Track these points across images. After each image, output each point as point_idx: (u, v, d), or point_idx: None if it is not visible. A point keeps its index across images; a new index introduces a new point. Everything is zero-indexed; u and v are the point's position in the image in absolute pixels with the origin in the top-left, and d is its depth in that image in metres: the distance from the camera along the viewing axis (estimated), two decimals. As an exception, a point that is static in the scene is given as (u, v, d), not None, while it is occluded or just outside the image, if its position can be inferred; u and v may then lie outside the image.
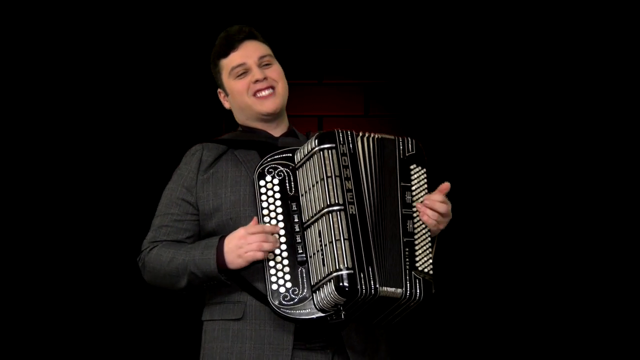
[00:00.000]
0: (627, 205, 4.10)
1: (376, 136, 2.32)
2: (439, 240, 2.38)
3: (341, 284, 2.15)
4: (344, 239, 2.18)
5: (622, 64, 4.12)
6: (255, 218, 2.28)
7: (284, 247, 2.26)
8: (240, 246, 2.24)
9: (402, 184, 2.30)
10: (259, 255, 2.23)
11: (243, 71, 2.47)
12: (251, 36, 2.51)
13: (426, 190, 2.33)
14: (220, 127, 4.18)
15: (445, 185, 2.33)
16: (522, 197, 4.15)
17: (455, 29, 4.19)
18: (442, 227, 2.33)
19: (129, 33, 4.15)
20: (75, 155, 4.11)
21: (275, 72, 2.48)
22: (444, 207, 2.31)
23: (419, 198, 2.31)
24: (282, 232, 2.28)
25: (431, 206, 2.30)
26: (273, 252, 2.25)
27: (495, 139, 4.17)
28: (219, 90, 2.57)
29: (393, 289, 2.19)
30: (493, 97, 4.18)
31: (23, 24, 4.10)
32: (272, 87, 2.47)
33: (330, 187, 2.22)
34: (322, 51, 4.17)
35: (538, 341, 4.10)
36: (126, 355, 4.06)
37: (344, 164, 2.25)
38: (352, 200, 2.22)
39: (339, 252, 2.17)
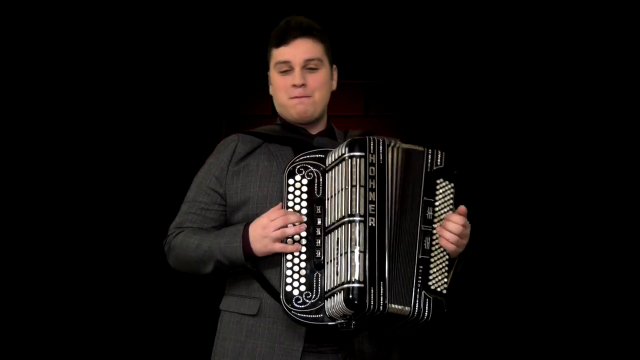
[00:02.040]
0: (628, 205, 4.10)
1: (403, 147, 2.29)
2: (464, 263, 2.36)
3: (350, 296, 2.14)
4: (360, 251, 2.16)
5: (622, 64, 4.12)
6: (280, 203, 2.27)
7: (303, 249, 2.26)
8: (266, 235, 2.24)
9: (425, 198, 2.27)
10: (289, 248, 2.23)
11: (287, 69, 2.43)
12: (307, 33, 2.46)
13: (452, 206, 2.30)
14: (220, 126, 4.18)
15: (463, 209, 2.30)
16: (522, 197, 4.15)
17: (455, 29, 4.19)
18: (459, 250, 2.30)
19: (129, 33, 4.15)
20: (77, 155, 4.12)
21: (317, 80, 2.44)
22: (459, 229, 2.27)
23: (442, 214, 2.28)
24: (304, 234, 2.27)
25: (446, 227, 2.27)
26: (299, 242, 2.25)
27: (495, 139, 4.17)
28: (268, 72, 2.52)
29: (401, 307, 2.18)
30: (493, 97, 4.18)
31: (23, 24, 4.10)
32: (309, 96, 2.44)
33: (354, 196, 2.20)
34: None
35: (546, 351, 4.11)
36: (145, 340, 4.08)
37: (370, 174, 2.22)
38: (373, 213, 2.20)
39: (353, 263, 2.16)
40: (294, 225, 2.25)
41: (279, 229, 2.24)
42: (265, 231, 2.25)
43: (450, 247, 2.27)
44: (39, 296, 4.07)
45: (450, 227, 2.26)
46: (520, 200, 4.15)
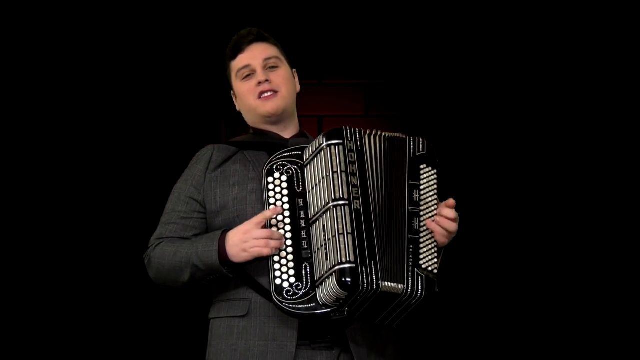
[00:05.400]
0: (627, 205, 4.10)
1: (386, 134, 2.34)
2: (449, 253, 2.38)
3: (343, 278, 2.15)
4: (347, 233, 2.19)
5: (622, 64, 4.12)
6: (262, 213, 2.28)
7: (289, 242, 2.27)
8: (246, 240, 2.25)
9: (410, 182, 2.31)
10: (266, 251, 2.24)
11: (249, 73, 2.51)
12: (259, 38, 2.54)
13: (435, 191, 2.34)
14: (220, 126, 4.18)
15: (451, 202, 2.33)
16: (521, 197, 4.15)
17: (455, 28, 4.19)
18: (447, 242, 2.33)
19: (130, 33, 4.15)
20: (77, 156, 4.11)
21: (280, 76, 2.51)
22: (454, 226, 2.31)
23: (427, 198, 2.32)
24: (288, 227, 2.29)
25: (441, 224, 2.29)
26: (279, 249, 2.26)
27: (495, 139, 4.18)
28: (232, 92, 2.59)
29: (395, 284, 2.20)
30: (493, 96, 4.19)
31: (23, 24, 4.10)
32: (275, 91, 2.49)
33: (336, 182, 2.23)
34: (322, 51, 4.17)
35: (543, 343, 4.11)
36: (135, 353, 4.07)
37: (350, 160, 2.26)
38: (357, 196, 2.23)
39: (342, 246, 2.17)
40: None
41: (262, 238, 2.24)
42: (246, 236, 2.26)
43: (443, 240, 2.30)
44: (27, 302, 4.04)
45: (445, 224, 2.29)
46: (517, 197, 4.15)
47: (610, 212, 4.10)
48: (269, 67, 2.50)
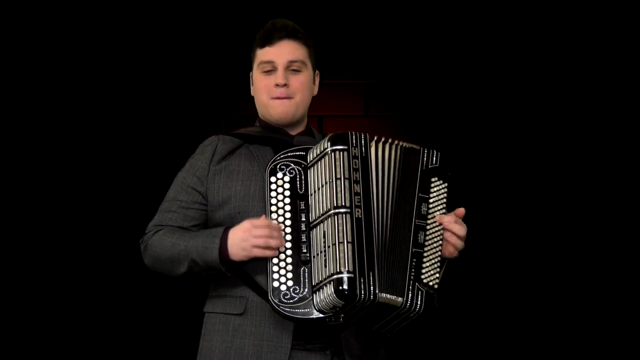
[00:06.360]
0: (627, 205, 4.10)
1: (400, 144, 2.32)
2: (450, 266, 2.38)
3: (340, 287, 2.15)
4: (347, 242, 2.17)
5: (622, 64, 4.12)
6: (264, 215, 2.28)
7: (288, 245, 2.26)
8: (246, 239, 2.24)
9: (420, 194, 2.30)
10: (268, 253, 2.24)
11: (270, 69, 2.47)
12: (292, 35, 2.50)
13: (444, 205, 2.33)
14: (220, 126, 4.19)
15: (461, 211, 2.33)
16: (521, 197, 4.15)
17: (455, 28, 4.19)
18: (456, 253, 2.33)
19: (130, 33, 4.15)
20: (76, 156, 4.12)
21: (299, 82, 2.47)
22: (463, 231, 2.32)
23: (435, 212, 2.31)
24: (289, 229, 2.27)
25: (452, 229, 2.30)
26: (278, 249, 2.25)
27: (494, 139, 4.18)
28: (251, 73, 2.56)
29: (393, 297, 2.19)
30: (493, 97, 4.19)
31: (23, 24, 4.10)
32: (290, 97, 2.47)
33: (339, 189, 2.21)
34: (322, 51, 4.16)
35: (538, 348, 4.11)
36: (127, 344, 4.07)
37: (354, 167, 2.25)
38: (359, 204, 2.21)
39: (341, 254, 2.16)
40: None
41: (262, 237, 2.23)
42: (246, 234, 2.25)
43: (453, 251, 2.30)
44: (21, 298, 4.05)
45: (457, 230, 2.29)
46: (518, 199, 4.15)
47: (621, 229, 4.10)
48: (292, 70, 2.47)
